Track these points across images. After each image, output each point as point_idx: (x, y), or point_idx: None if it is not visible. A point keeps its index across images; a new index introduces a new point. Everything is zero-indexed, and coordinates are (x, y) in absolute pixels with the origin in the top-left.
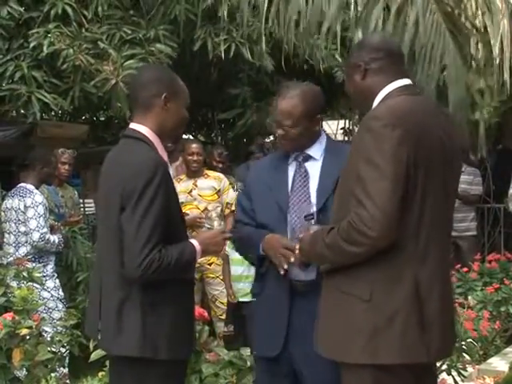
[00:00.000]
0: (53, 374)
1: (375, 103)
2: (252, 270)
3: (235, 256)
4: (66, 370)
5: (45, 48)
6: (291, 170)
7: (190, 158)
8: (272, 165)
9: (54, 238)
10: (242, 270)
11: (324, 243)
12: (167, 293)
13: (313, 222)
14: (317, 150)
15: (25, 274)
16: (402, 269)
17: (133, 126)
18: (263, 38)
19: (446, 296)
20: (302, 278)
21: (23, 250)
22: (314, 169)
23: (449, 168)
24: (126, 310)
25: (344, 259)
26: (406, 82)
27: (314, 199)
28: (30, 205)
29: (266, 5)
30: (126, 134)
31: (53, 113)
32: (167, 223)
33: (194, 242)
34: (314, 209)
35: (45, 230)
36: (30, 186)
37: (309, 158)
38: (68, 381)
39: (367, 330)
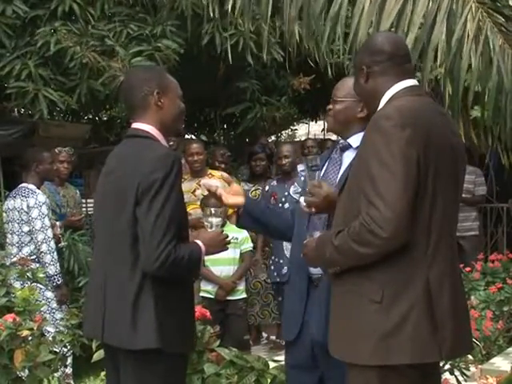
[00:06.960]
0: (55, 374)
1: (381, 104)
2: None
3: (222, 256)
4: (69, 370)
5: (52, 46)
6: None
7: (190, 158)
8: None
9: (51, 269)
10: (228, 269)
11: (333, 246)
12: (175, 287)
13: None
14: (357, 140)
15: (29, 274)
16: (413, 269)
17: (136, 125)
18: (266, 30)
19: (457, 295)
20: (316, 272)
21: (27, 250)
22: (348, 158)
23: (456, 167)
24: (142, 302)
25: (355, 261)
26: (412, 82)
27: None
28: (34, 205)
29: None
30: (130, 133)
31: (58, 109)
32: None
33: (198, 242)
34: None
35: (49, 231)
36: (32, 186)
37: (349, 146)
38: (71, 381)
39: (378, 332)
